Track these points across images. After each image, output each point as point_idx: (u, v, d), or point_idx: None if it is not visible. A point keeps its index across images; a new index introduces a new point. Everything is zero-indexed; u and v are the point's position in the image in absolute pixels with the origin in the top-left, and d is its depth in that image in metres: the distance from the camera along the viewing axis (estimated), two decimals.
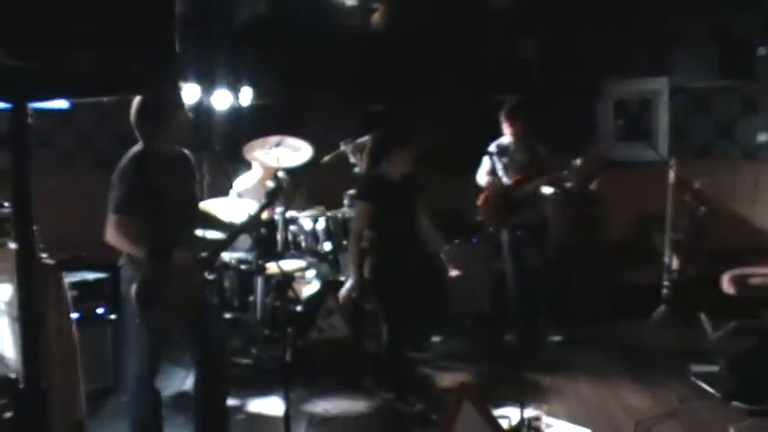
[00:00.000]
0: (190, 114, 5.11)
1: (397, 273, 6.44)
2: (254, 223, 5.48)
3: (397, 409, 6.41)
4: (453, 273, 6.72)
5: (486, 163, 7.98)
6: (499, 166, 7.93)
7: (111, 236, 4.83)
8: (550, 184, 7.61)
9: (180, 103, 5.07)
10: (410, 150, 6.48)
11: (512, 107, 7.85)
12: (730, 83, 9.21)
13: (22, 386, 3.54)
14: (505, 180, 7.84)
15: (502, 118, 7.85)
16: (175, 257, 4.84)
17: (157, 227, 4.87)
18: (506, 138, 7.90)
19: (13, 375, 4.54)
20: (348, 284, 6.57)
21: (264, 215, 5.53)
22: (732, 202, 9.04)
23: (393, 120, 7.60)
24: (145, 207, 4.86)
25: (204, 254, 5.27)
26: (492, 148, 7.90)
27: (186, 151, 5.22)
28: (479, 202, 7.93)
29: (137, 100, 4.93)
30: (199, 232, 5.56)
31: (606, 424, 5.97)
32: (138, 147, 5.03)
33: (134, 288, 4.80)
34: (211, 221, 5.75)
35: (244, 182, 7.89)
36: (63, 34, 2.33)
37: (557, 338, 7.95)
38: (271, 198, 5.46)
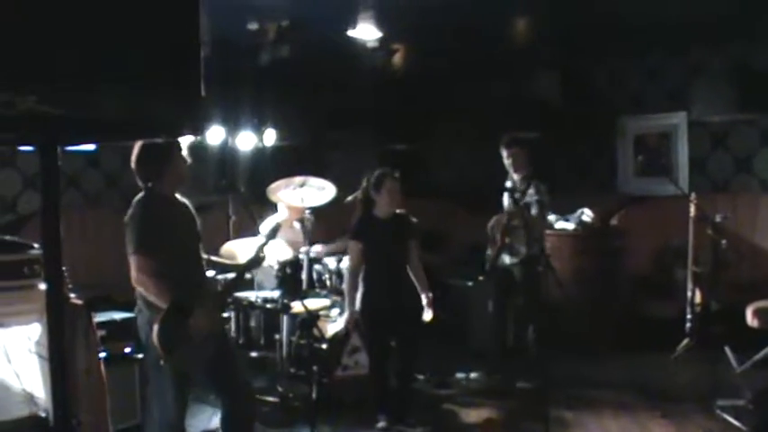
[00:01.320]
0: (189, 159, 5.18)
1: (381, 306, 6.76)
2: (257, 260, 5.54)
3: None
4: (427, 316, 6.80)
5: (504, 201, 8.07)
6: (507, 203, 8.02)
7: (136, 279, 4.92)
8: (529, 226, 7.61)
9: (179, 147, 5.14)
10: (385, 191, 6.74)
11: (506, 140, 7.92)
12: (749, 116, 9.23)
13: (51, 425, 3.61)
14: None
15: (501, 151, 7.94)
16: (196, 309, 4.90)
17: (174, 269, 4.94)
18: (509, 176, 7.98)
19: (42, 414, 4.60)
20: (344, 317, 6.94)
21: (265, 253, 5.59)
22: (753, 235, 9.04)
23: (385, 160, 7.70)
24: (160, 246, 4.93)
25: (218, 290, 5.36)
26: (507, 184, 7.98)
27: (183, 199, 5.31)
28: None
29: (138, 144, 5.02)
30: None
31: None
32: (141, 193, 5.13)
33: (155, 330, 4.87)
34: (222, 265, 5.82)
35: (270, 223, 7.96)
36: (93, 80, 2.41)
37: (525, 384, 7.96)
38: (270, 236, 5.54)
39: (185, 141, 5.17)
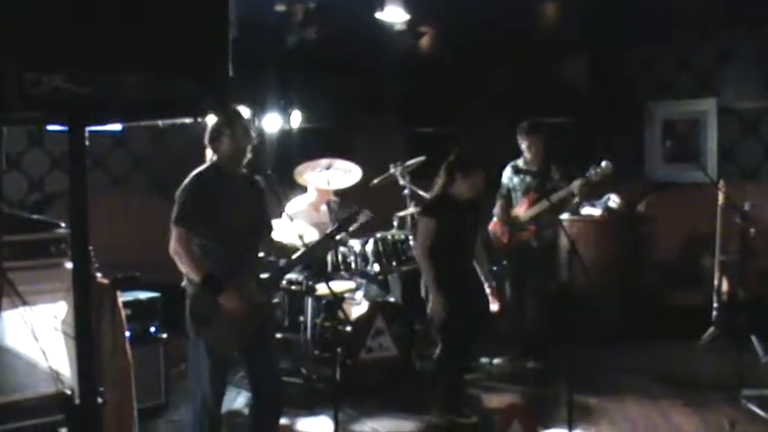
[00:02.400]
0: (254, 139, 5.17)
1: (458, 293, 6.47)
2: (323, 249, 5.52)
3: (454, 422, 6.50)
4: (495, 307, 6.73)
5: (502, 185, 8.06)
6: (511, 186, 8.04)
7: (173, 249, 4.95)
8: (554, 209, 7.54)
9: (239, 124, 5.11)
10: (471, 180, 6.50)
11: (529, 126, 7.87)
12: None
13: (77, 402, 3.63)
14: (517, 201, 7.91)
15: (519, 137, 7.88)
16: (229, 288, 4.89)
17: (216, 246, 4.96)
18: (521, 159, 7.94)
19: (68, 391, 4.63)
20: (433, 305, 6.48)
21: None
22: None
23: (466, 143, 7.66)
24: (202, 221, 4.95)
25: (266, 275, 5.35)
26: (507, 169, 7.95)
27: (258, 177, 5.31)
28: (489, 227, 8.04)
29: (212, 119, 5.03)
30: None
31: None
32: (205, 165, 5.15)
33: (188, 302, 4.90)
34: (279, 248, 5.81)
35: (296, 204, 7.97)
36: (120, 59, 2.41)
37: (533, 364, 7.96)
38: (343, 225, 5.52)
39: (247, 119, 5.15)
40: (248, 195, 5.23)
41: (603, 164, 7.36)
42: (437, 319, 6.46)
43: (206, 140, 5.14)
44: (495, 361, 8.14)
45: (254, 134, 5.16)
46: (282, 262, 5.81)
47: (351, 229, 5.89)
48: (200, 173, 5.10)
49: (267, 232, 5.44)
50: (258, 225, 5.32)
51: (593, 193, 9.11)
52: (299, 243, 5.68)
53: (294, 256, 5.57)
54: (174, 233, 4.95)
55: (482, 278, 6.76)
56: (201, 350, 5.02)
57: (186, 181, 5.06)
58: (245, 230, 5.13)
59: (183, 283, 5.16)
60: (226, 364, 5.18)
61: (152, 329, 6.60)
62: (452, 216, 6.48)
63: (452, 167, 6.53)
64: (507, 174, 8.04)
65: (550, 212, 7.53)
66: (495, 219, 8.05)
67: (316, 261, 6.86)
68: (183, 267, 4.96)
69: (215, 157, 5.14)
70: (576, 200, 7.90)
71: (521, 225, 7.85)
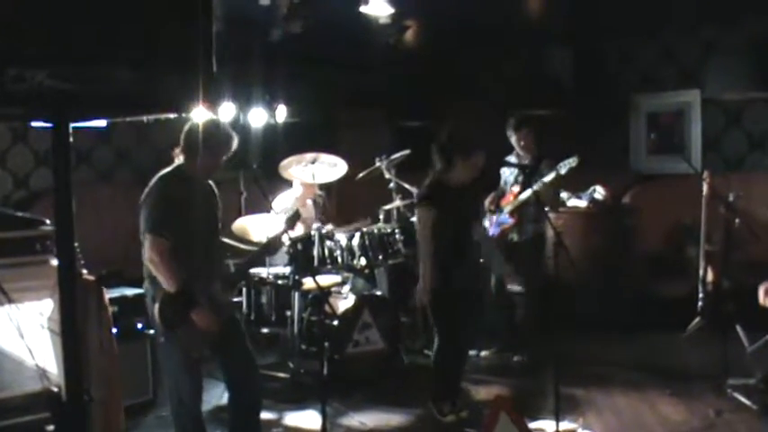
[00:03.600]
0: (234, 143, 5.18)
1: (456, 280, 6.41)
2: (274, 247, 5.55)
3: (431, 415, 6.51)
4: None
5: (502, 174, 8.13)
6: (503, 181, 8.12)
7: (149, 257, 4.94)
8: (537, 202, 7.55)
9: (225, 140, 5.13)
10: (473, 161, 6.42)
11: (517, 121, 7.90)
12: (764, 94, 9.16)
13: (64, 400, 3.62)
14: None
15: (508, 132, 7.91)
16: (199, 305, 4.92)
17: (183, 249, 4.95)
18: (513, 153, 7.97)
19: (55, 389, 4.62)
20: (428, 282, 6.38)
21: (284, 237, 5.59)
22: (766, 214, 9.00)
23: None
24: (171, 227, 4.94)
25: (229, 273, 5.39)
26: (511, 159, 7.97)
27: (209, 180, 5.31)
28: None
29: (202, 121, 5.03)
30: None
31: None
32: (163, 171, 5.14)
33: (157, 307, 4.90)
34: (234, 250, 5.82)
35: (283, 199, 7.98)
36: (104, 55, 2.41)
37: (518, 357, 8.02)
38: (289, 223, 5.53)
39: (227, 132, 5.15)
40: (208, 198, 5.25)
41: (571, 158, 7.40)
42: (431, 296, 6.37)
43: (181, 146, 5.12)
44: (483, 353, 8.16)
45: (233, 143, 5.16)
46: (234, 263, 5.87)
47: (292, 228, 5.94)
48: (163, 177, 5.11)
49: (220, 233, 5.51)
50: (218, 226, 5.37)
51: (579, 185, 9.16)
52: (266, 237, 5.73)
53: (252, 256, 5.59)
54: (148, 241, 4.93)
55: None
56: (172, 351, 5.04)
57: (151, 186, 5.07)
58: (208, 232, 5.15)
59: (145, 288, 5.15)
60: (198, 363, 5.18)
61: (139, 326, 6.59)
62: (450, 202, 6.38)
63: (451, 151, 6.40)
64: (502, 169, 8.09)
65: (534, 206, 7.55)
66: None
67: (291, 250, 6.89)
68: (159, 275, 4.93)
69: (181, 159, 5.13)
70: (552, 193, 7.89)
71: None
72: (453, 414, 6.48)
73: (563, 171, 7.45)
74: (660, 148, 10.21)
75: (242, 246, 5.77)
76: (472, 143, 6.50)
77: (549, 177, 7.50)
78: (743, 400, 6.45)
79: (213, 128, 5.06)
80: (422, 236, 6.47)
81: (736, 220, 7.32)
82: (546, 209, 7.15)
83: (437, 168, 6.48)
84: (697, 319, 7.94)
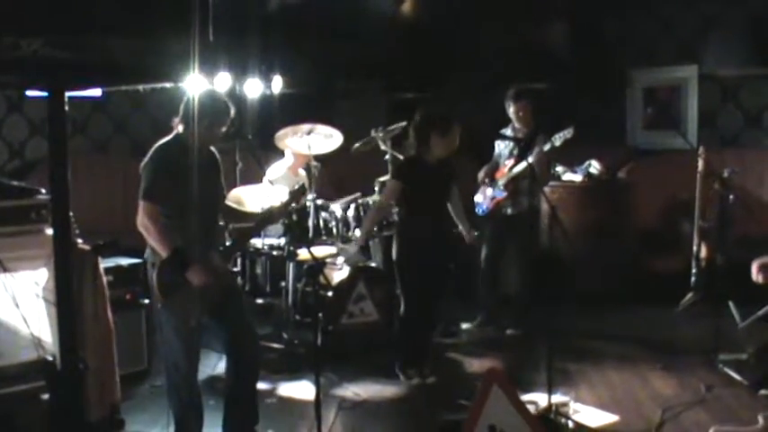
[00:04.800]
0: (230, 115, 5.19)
1: (420, 251, 6.68)
2: (277, 217, 5.56)
3: (425, 386, 6.67)
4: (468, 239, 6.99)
5: (497, 147, 8.11)
6: (497, 153, 8.09)
7: (141, 222, 4.95)
8: (532, 175, 7.58)
9: (228, 113, 5.17)
10: (450, 137, 6.61)
11: (515, 93, 7.89)
12: (762, 71, 9.15)
13: (58, 368, 3.64)
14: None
15: (507, 103, 7.91)
16: (194, 264, 4.94)
17: (180, 218, 4.96)
18: (510, 126, 7.97)
19: (50, 358, 4.64)
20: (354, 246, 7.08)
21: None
22: (761, 191, 9.02)
23: (435, 106, 7.65)
24: (169, 194, 4.96)
25: (227, 243, 5.39)
26: (506, 132, 7.97)
27: (211, 148, 5.31)
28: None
29: (200, 91, 5.03)
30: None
31: (633, 411, 6.00)
32: (166, 138, 5.14)
33: (154, 274, 4.91)
34: (238, 216, 5.81)
35: (276, 169, 7.97)
36: (100, 24, 2.40)
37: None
38: (293, 197, 5.52)
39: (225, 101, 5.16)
40: (209, 166, 5.24)
41: (567, 129, 7.39)
42: (396, 265, 6.78)
43: (180, 116, 5.13)
44: (465, 325, 8.18)
45: (231, 113, 5.18)
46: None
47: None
48: (163, 146, 5.12)
49: (223, 201, 5.53)
50: (218, 195, 5.39)
51: (574, 159, 9.15)
52: (262, 207, 5.73)
53: (251, 224, 5.61)
54: (141, 207, 4.95)
55: (461, 228, 6.99)
56: (170, 319, 5.05)
57: (150, 154, 5.08)
58: (207, 201, 5.14)
59: (146, 255, 5.16)
60: (196, 332, 5.18)
61: (132, 296, 6.59)
62: (421, 179, 6.65)
63: (427, 128, 6.64)
64: (497, 142, 8.07)
65: (529, 179, 7.57)
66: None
67: (286, 221, 6.92)
68: (151, 241, 4.97)
69: (180, 129, 5.13)
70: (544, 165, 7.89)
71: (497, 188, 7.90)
72: (419, 378, 6.74)
73: (558, 143, 7.45)
74: (656, 123, 10.19)
75: (245, 210, 5.75)
76: (448, 120, 6.67)
77: (544, 148, 7.50)
78: (734, 375, 6.48)
79: (212, 98, 5.09)
80: (379, 203, 7.00)
81: (731, 197, 7.34)
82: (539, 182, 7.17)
83: (413, 145, 6.77)
84: (690, 294, 7.99)
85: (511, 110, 7.91)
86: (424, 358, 6.88)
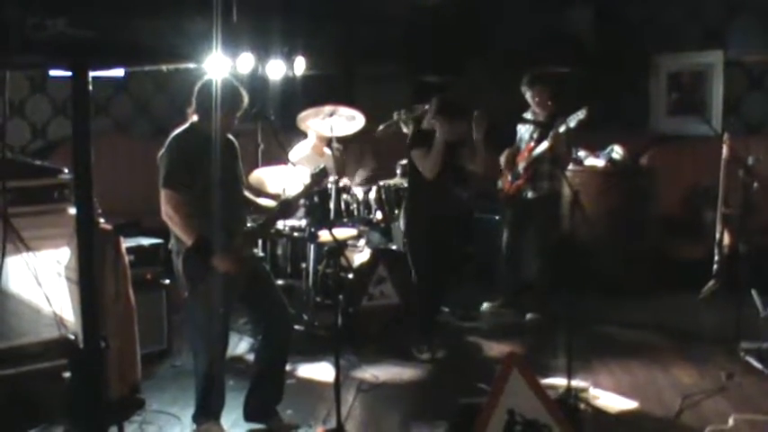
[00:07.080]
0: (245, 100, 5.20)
1: (433, 226, 6.90)
2: (295, 206, 5.57)
3: (443, 368, 6.73)
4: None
5: (519, 131, 8.14)
6: (518, 137, 8.11)
7: (164, 212, 5.00)
8: (553, 160, 7.58)
9: (241, 99, 5.18)
10: (455, 124, 6.75)
11: (531, 78, 7.86)
12: None
13: (80, 347, 3.66)
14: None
15: (523, 88, 7.89)
16: (219, 251, 4.96)
17: (202, 205, 4.98)
18: (530, 110, 7.94)
19: (71, 337, 4.66)
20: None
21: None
22: None
23: (449, 91, 7.65)
24: (190, 182, 4.99)
25: (251, 225, 5.41)
26: (527, 115, 7.95)
27: (229, 136, 5.32)
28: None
29: (212, 80, 5.04)
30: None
31: (653, 398, 5.98)
32: (181, 127, 5.17)
33: (180, 263, 4.94)
34: (257, 207, 5.81)
35: (298, 151, 7.97)
36: (123, 3, 2.40)
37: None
38: (315, 179, 5.51)
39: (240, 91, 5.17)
40: (227, 152, 5.25)
41: (580, 111, 7.36)
42: (407, 240, 7.05)
43: (193, 105, 5.14)
44: (484, 306, 8.18)
45: (244, 101, 5.19)
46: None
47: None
48: (179, 135, 5.14)
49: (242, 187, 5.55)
50: (238, 182, 5.41)
51: (597, 144, 9.10)
52: (284, 190, 5.73)
53: (270, 216, 5.60)
54: (163, 196, 4.98)
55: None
56: (198, 307, 5.08)
57: (167, 144, 5.10)
58: (228, 187, 5.16)
59: (171, 244, 5.19)
60: (224, 318, 5.23)
61: (155, 275, 6.62)
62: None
63: (435, 111, 6.83)
64: (519, 126, 8.06)
65: (549, 163, 7.56)
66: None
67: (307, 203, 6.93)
68: (176, 230, 5.02)
69: (195, 118, 5.14)
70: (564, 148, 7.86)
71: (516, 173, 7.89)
72: (428, 353, 6.88)
73: (572, 124, 7.41)
74: (680, 108, 10.12)
75: (263, 202, 5.75)
76: (458, 108, 6.83)
77: (560, 130, 7.47)
78: (755, 363, 6.45)
79: (225, 86, 5.07)
80: (429, 171, 6.86)
81: (755, 184, 7.28)
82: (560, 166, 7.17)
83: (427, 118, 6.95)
84: (712, 282, 7.95)
85: (528, 95, 7.89)
86: (430, 334, 7.01)
